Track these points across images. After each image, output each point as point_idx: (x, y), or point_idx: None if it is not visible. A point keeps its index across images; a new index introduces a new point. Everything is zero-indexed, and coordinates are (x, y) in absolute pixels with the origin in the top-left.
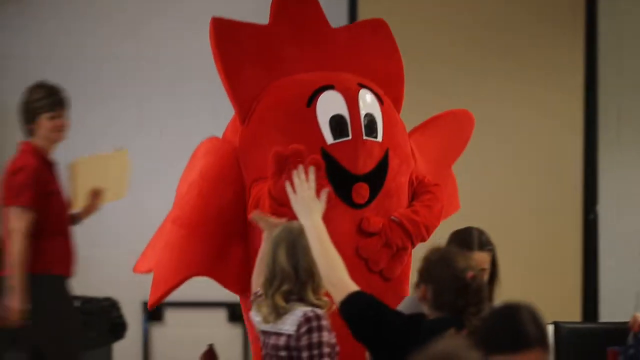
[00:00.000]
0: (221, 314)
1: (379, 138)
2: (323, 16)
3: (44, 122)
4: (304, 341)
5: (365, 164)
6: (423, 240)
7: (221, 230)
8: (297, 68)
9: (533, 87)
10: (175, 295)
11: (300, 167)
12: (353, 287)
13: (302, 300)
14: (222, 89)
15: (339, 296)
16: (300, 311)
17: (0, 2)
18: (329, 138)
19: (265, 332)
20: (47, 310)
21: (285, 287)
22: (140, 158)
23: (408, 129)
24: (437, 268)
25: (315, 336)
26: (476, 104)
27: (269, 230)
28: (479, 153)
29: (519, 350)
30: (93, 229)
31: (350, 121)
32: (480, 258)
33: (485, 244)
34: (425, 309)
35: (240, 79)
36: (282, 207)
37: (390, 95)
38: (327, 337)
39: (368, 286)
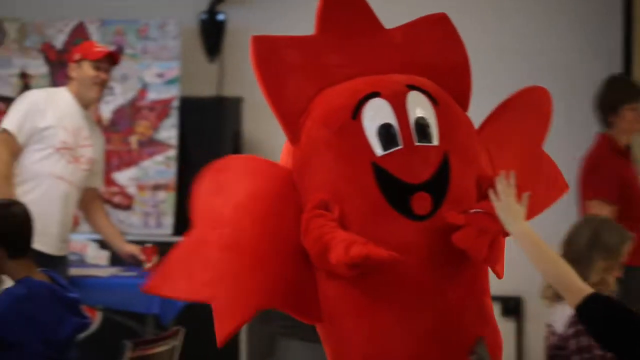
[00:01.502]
0: (496, 308)
1: (435, 142)
2: (374, 17)
3: (626, 114)
4: (572, 345)
5: (421, 172)
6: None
7: (286, 258)
8: (346, 74)
9: None
10: None
11: (502, 172)
12: (588, 289)
13: None
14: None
15: (574, 300)
16: (568, 309)
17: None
18: (378, 150)
19: (550, 331)
20: None
21: None
22: None
23: None
24: None
25: (584, 339)
26: None
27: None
28: None
29: None
30: None
31: (400, 128)
32: None
33: None
34: None
35: (283, 95)
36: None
37: (455, 89)
38: None
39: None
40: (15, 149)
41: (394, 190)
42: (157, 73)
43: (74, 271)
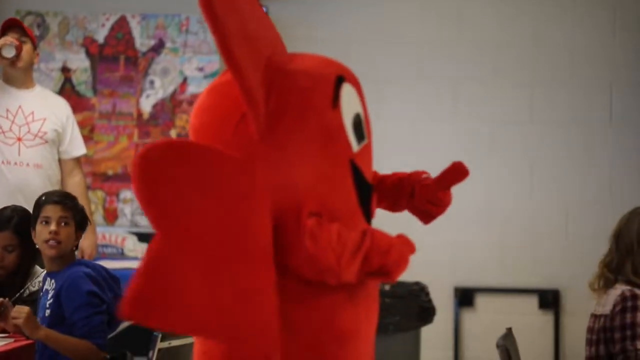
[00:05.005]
0: (533, 300)
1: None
2: None
3: None
4: (617, 321)
5: (371, 170)
6: None
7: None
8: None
9: None
10: (487, 281)
11: None
12: None
13: (622, 274)
14: (543, 78)
15: None
16: (619, 289)
17: None
18: (355, 145)
19: (595, 319)
20: None
21: (607, 258)
22: (454, 142)
23: None
24: None
25: (628, 316)
26: None
27: None
28: None
29: None
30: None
31: (365, 118)
32: None
33: None
34: None
35: (248, 62)
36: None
37: None
38: None
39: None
40: None
41: (364, 193)
42: (197, 67)
43: (112, 264)
